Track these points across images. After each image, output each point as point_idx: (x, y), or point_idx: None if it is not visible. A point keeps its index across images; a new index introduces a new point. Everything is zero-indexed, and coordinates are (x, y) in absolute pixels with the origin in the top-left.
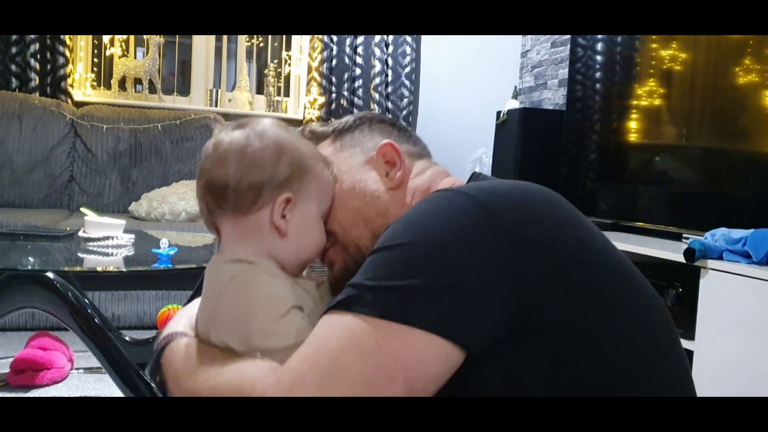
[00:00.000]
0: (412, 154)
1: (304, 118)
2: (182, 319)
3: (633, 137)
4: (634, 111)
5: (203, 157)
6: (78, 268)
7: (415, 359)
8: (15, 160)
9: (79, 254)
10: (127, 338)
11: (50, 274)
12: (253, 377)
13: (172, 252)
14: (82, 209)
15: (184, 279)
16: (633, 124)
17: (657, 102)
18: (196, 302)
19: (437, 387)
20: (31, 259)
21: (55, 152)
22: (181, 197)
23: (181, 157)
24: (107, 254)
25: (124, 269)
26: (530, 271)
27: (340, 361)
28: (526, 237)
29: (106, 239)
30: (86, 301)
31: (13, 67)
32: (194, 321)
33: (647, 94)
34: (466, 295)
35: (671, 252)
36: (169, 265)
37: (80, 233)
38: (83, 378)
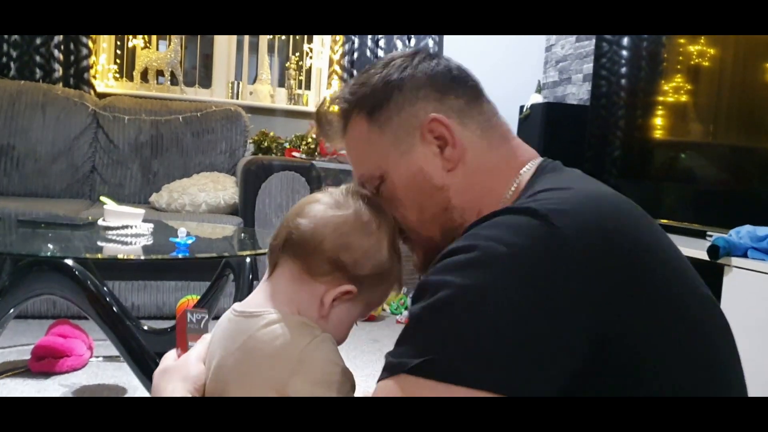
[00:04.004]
0: (460, 110)
1: None
2: (176, 381)
3: (658, 134)
4: (659, 107)
5: (315, 200)
6: (98, 256)
7: None
8: (38, 150)
9: (99, 243)
10: (145, 327)
11: (70, 262)
12: None
13: (189, 241)
14: (102, 198)
15: (203, 269)
16: (658, 121)
17: (683, 98)
18: (174, 357)
19: None
20: (51, 246)
21: (77, 143)
22: (201, 189)
23: (201, 149)
24: (126, 243)
25: (142, 257)
26: (608, 306)
27: None
28: (604, 269)
29: (126, 228)
30: (105, 289)
31: (38, 58)
32: (197, 382)
33: (673, 90)
34: (531, 345)
35: (695, 249)
36: (187, 254)
37: (100, 222)
38: (102, 366)
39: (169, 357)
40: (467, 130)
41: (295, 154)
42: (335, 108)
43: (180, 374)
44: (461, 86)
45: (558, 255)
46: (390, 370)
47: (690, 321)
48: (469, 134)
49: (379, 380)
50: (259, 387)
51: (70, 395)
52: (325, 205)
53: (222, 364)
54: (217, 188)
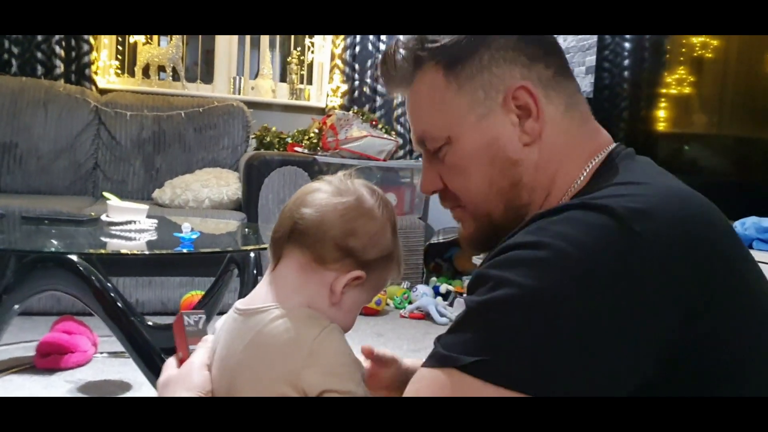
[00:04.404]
0: (547, 81)
1: (326, 106)
2: (181, 391)
3: (662, 126)
4: (663, 99)
5: (315, 189)
6: (102, 251)
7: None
8: (41, 148)
9: (102, 238)
10: (150, 323)
11: (74, 257)
12: None
13: (194, 236)
14: (105, 194)
15: (208, 265)
16: (662, 113)
17: (687, 90)
18: (175, 366)
19: None
20: (55, 242)
21: (79, 139)
22: (204, 184)
23: (204, 144)
24: (130, 238)
25: (146, 252)
26: (680, 323)
27: None
28: (681, 281)
29: (129, 224)
30: (109, 285)
31: (39, 55)
32: (202, 389)
33: (677, 81)
34: (597, 354)
35: None
36: (191, 249)
37: (103, 218)
38: (107, 362)
39: (171, 365)
40: (551, 104)
41: (297, 149)
42: (407, 51)
43: (184, 384)
44: (551, 55)
45: (633, 264)
46: (441, 361)
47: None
48: (553, 109)
49: (425, 365)
50: (271, 382)
51: (76, 391)
52: (327, 194)
53: (229, 365)
54: (220, 184)
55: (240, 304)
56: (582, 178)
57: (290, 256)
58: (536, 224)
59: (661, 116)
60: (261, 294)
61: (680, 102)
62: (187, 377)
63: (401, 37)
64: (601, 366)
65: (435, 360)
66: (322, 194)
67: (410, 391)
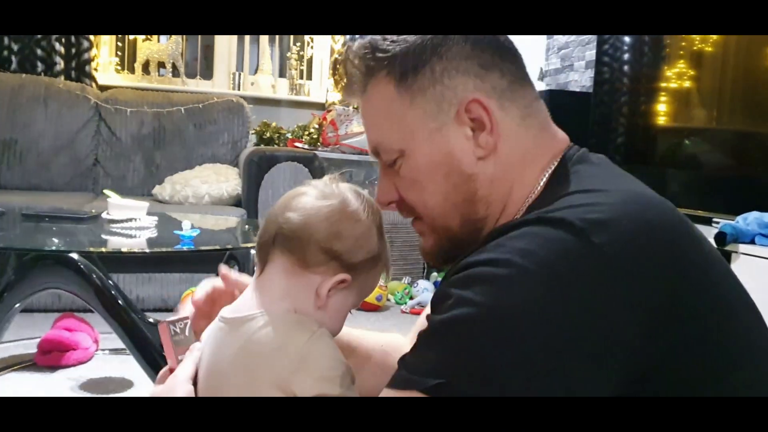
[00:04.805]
0: (502, 91)
1: (326, 101)
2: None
3: (662, 120)
4: (663, 93)
5: (299, 193)
6: (102, 249)
7: None
8: (41, 144)
9: (103, 236)
10: (151, 320)
11: (75, 255)
12: None
13: (194, 234)
14: (105, 191)
15: (208, 262)
16: (662, 107)
17: (687, 84)
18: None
19: None
20: (55, 240)
21: (79, 136)
22: (204, 180)
23: (204, 140)
24: (130, 236)
25: (147, 250)
26: (646, 337)
27: None
28: (646, 292)
29: (130, 221)
30: (110, 282)
31: (39, 51)
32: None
33: (677, 75)
34: (560, 372)
35: None
36: (192, 247)
37: (104, 215)
38: (108, 359)
39: (162, 377)
40: (507, 115)
41: (297, 144)
42: (358, 60)
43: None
44: (507, 62)
45: (593, 277)
46: (404, 384)
47: (740, 336)
48: (508, 121)
49: (389, 386)
50: (261, 390)
51: (78, 389)
52: (311, 197)
53: (216, 375)
54: (220, 180)
55: (226, 312)
56: (539, 187)
57: (276, 260)
58: (495, 241)
59: (662, 110)
60: (247, 301)
61: (680, 96)
62: (171, 393)
63: (353, 44)
64: (564, 383)
65: (398, 382)
66: (307, 198)
67: None
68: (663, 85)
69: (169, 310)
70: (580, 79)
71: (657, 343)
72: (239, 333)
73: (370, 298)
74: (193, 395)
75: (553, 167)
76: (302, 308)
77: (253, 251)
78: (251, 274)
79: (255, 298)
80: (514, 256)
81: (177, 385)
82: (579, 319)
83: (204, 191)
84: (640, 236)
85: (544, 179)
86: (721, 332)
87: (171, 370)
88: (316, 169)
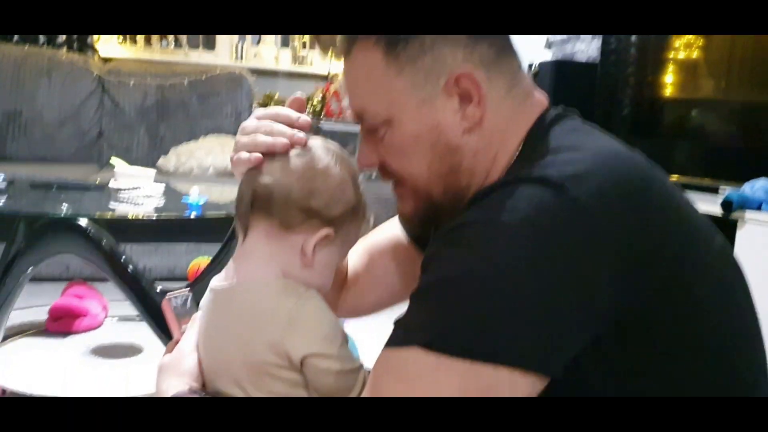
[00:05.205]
0: (489, 62)
1: (329, 73)
2: (170, 378)
3: (669, 91)
4: (670, 64)
5: (268, 157)
6: (110, 215)
7: (503, 395)
8: (45, 116)
9: (111, 204)
10: (158, 288)
11: (83, 222)
12: None
13: (202, 201)
14: (112, 159)
15: (214, 231)
16: (669, 78)
17: (694, 54)
18: (171, 359)
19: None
20: (64, 207)
21: (83, 108)
22: (208, 152)
23: (207, 112)
24: (138, 204)
25: (155, 217)
26: (629, 277)
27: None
28: (624, 237)
29: (136, 189)
30: (120, 248)
31: None
32: (192, 373)
33: (684, 46)
34: (552, 321)
35: (708, 204)
36: (200, 214)
37: (111, 183)
38: (117, 325)
39: (169, 349)
40: (493, 87)
41: None
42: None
43: (175, 370)
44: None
45: (574, 228)
46: (402, 341)
47: (713, 282)
48: (494, 93)
49: (387, 347)
50: (256, 353)
51: (89, 353)
52: (281, 158)
53: (213, 343)
54: (225, 151)
55: (215, 281)
56: (517, 152)
57: (256, 226)
58: (478, 203)
59: (669, 81)
60: (234, 269)
61: (688, 67)
62: (178, 363)
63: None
64: (550, 331)
65: (395, 340)
66: (275, 160)
67: (374, 373)
68: (670, 55)
69: (176, 279)
70: (587, 49)
71: (633, 287)
72: (229, 302)
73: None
74: (196, 366)
75: (530, 129)
76: (289, 270)
77: None
78: None
79: (241, 266)
80: (497, 215)
81: (182, 356)
82: (562, 269)
83: (209, 162)
84: (615, 187)
85: (522, 143)
86: (694, 276)
87: (175, 343)
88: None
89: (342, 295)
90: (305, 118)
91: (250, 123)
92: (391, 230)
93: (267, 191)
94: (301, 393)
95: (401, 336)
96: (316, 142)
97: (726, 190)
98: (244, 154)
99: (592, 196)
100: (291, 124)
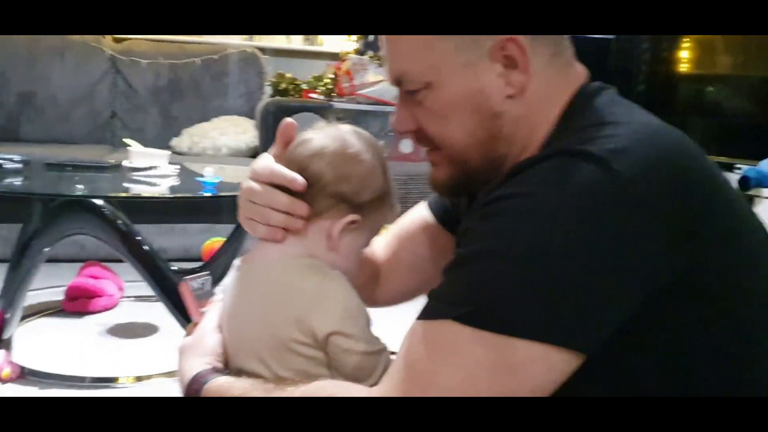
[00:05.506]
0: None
1: (340, 51)
2: (194, 357)
3: (684, 67)
4: (685, 39)
5: (302, 141)
6: (124, 195)
7: (537, 371)
8: (59, 97)
9: (125, 184)
10: (174, 268)
11: (99, 201)
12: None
13: (216, 180)
14: (125, 140)
15: (229, 211)
16: (684, 53)
17: None
18: (195, 340)
19: (554, 388)
20: (80, 187)
21: (97, 88)
22: (222, 132)
23: (220, 92)
24: (152, 184)
25: (169, 196)
26: (672, 254)
27: (449, 382)
28: (667, 214)
29: (151, 169)
30: (135, 228)
31: None
32: (214, 352)
33: None
34: (591, 298)
35: None
36: (215, 192)
37: (125, 163)
38: (133, 305)
39: (189, 330)
40: (537, 53)
41: (312, 95)
42: None
43: (197, 350)
44: None
45: (617, 202)
46: (435, 313)
47: (756, 262)
48: (538, 59)
49: (419, 318)
50: (281, 330)
51: (105, 333)
52: (312, 144)
53: (239, 320)
54: (237, 132)
55: (243, 260)
56: (554, 126)
57: None
58: (518, 176)
59: (684, 57)
60: (262, 248)
61: (704, 42)
62: (200, 343)
63: None
64: (588, 306)
65: (429, 312)
66: (308, 146)
67: (406, 345)
68: None
69: (191, 260)
70: None
71: (677, 261)
72: (257, 279)
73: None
74: (219, 344)
75: (570, 102)
76: (315, 252)
77: None
78: None
79: (268, 246)
80: (538, 188)
81: (204, 335)
82: (603, 245)
83: (222, 143)
84: (658, 162)
85: (562, 114)
86: (736, 253)
87: (195, 326)
88: (331, 120)
89: (375, 285)
90: (301, 180)
91: (250, 186)
92: (418, 215)
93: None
94: (323, 372)
95: (435, 308)
96: (347, 128)
97: (743, 168)
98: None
99: (636, 172)
100: (288, 186)
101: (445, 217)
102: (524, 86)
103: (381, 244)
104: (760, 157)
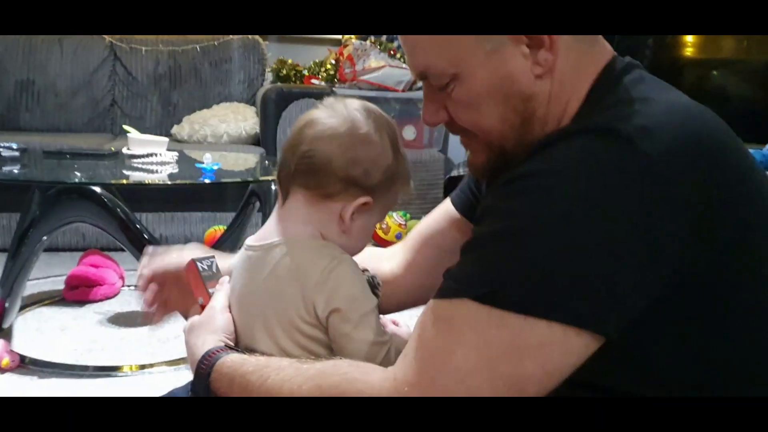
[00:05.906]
0: None
1: (343, 37)
2: (205, 335)
3: (689, 51)
4: None
5: (311, 121)
6: (123, 181)
7: (554, 353)
8: (58, 85)
9: (124, 171)
10: None
11: (97, 189)
12: (364, 381)
13: (216, 166)
14: (125, 127)
15: (230, 199)
16: (689, 38)
17: None
18: (207, 316)
19: (570, 372)
20: (78, 174)
21: (96, 76)
22: (222, 119)
23: (220, 79)
24: (152, 171)
25: (169, 182)
26: (695, 238)
27: (464, 362)
28: (692, 196)
29: (150, 156)
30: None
31: None
32: (226, 330)
33: None
34: (612, 280)
35: None
36: (213, 179)
37: (124, 150)
38: (134, 294)
39: (194, 312)
40: None
41: (314, 81)
42: None
43: (209, 327)
44: None
45: (642, 183)
46: (453, 292)
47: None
48: (565, 36)
49: (436, 297)
50: (289, 309)
51: (106, 322)
52: (321, 126)
53: (248, 300)
54: (238, 119)
55: (252, 240)
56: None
57: (297, 193)
58: (541, 153)
59: (689, 41)
60: (272, 229)
61: None
62: (211, 321)
63: None
64: (610, 289)
65: (446, 292)
66: (317, 127)
67: (420, 324)
68: None
69: None
70: None
71: (703, 246)
72: (266, 259)
73: (390, 237)
74: (230, 323)
75: (598, 78)
76: (326, 233)
77: (273, 186)
78: (271, 209)
79: (279, 226)
80: (560, 166)
81: (215, 314)
82: (626, 226)
83: (222, 130)
84: (686, 143)
85: (590, 90)
86: (763, 238)
87: (202, 307)
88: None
89: (400, 282)
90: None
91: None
92: (443, 211)
93: (309, 161)
94: (327, 353)
95: (452, 288)
96: (357, 105)
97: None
98: None
99: (662, 152)
100: None
101: (469, 211)
102: (552, 64)
103: (407, 245)
104: (765, 141)
